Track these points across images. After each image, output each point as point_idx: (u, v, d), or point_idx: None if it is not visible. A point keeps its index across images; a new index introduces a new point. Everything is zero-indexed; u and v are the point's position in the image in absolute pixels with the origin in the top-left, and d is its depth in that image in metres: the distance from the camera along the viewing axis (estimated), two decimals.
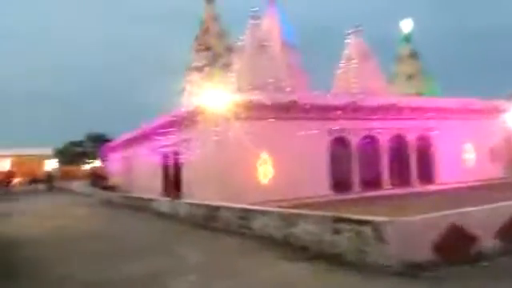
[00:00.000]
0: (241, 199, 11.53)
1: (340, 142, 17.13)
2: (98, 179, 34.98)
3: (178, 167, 18.42)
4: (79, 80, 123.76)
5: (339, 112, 16.87)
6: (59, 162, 58.58)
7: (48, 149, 59.59)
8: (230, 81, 18.00)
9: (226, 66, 20.29)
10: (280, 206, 9.74)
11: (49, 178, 39.45)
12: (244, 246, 8.30)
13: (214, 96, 15.04)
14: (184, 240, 9.51)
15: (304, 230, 7.53)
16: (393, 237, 5.83)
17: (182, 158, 17.82)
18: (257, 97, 15.34)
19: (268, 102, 15.33)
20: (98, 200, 24.05)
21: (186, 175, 17.44)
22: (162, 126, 19.34)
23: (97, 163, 52.58)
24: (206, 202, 11.92)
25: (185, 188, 17.20)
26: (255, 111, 15.12)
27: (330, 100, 17.07)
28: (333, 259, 6.43)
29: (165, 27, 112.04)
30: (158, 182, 20.53)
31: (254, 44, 17.90)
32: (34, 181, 56.53)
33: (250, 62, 17.53)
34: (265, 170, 15.65)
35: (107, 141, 42.07)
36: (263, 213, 9.00)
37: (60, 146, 57.56)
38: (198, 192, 14.94)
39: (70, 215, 16.37)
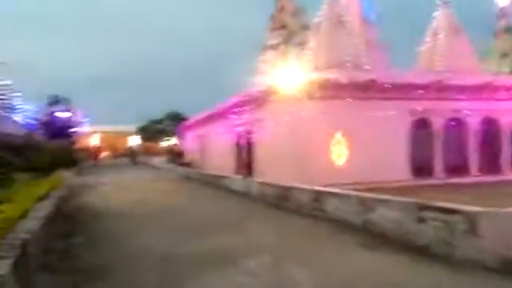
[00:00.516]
0: (313, 180, 11.23)
1: (422, 124, 15.96)
2: (175, 156, 36.75)
3: (250, 146, 18.56)
4: (163, 63, 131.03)
5: (422, 91, 15.65)
6: (141, 138, 62.52)
7: (132, 126, 63.78)
8: (305, 59, 17.49)
9: (302, 44, 19.73)
10: (356, 190, 9.30)
11: (132, 154, 42.12)
12: (318, 229, 8.04)
13: (288, 75, 14.72)
14: (256, 218, 9.50)
15: (383, 217, 7.06)
16: (488, 229, 5.20)
17: (255, 138, 17.90)
18: (333, 75, 14.74)
19: (345, 81, 14.67)
20: (176, 175, 25.23)
21: (258, 154, 17.51)
22: (236, 106, 19.54)
23: (174, 140, 55.31)
24: (278, 182, 11.80)
25: (256, 167, 17.31)
26: (331, 90, 14.56)
27: (412, 78, 15.88)
28: (417, 250, 5.94)
29: (242, 5, 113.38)
30: (230, 160, 20.93)
31: (332, 20, 17.10)
32: (119, 155, 61.18)
33: (328, 39, 16.82)
34: (339, 152, 15.15)
35: (184, 119, 43.80)
36: (338, 196, 8.62)
37: (143, 124, 61.21)
38: (270, 171, 14.91)
39: (150, 189, 17.31)
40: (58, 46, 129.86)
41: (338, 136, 15.10)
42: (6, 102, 31.18)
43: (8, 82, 29.79)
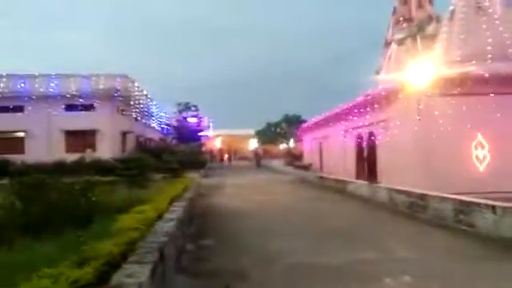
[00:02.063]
0: (446, 187, 9.94)
1: None
2: (292, 158, 36.95)
3: (373, 149, 17.50)
4: (281, 66, 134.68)
5: None
6: (259, 141, 64.70)
7: (250, 130, 66.48)
8: (436, 52, 15.82)
9: (431, 37, 17.98)
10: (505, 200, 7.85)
11: (257, 157, 43.49)
12: (467, 248, 6.91)
13: (417, 71, 13.41)
14: (386, 229, 8.68)
15: None
16: None
17: (378, 140, 16.81)
18: (471, 68, 12.97)
19: (487, 75, 12.78)
20: (294, 178, 25.22)
21: (382, 158, 16.39)
22: (357, 107, 18.64)
23: (291, 143, 55.89)
24: (410, 189, 10.72)
25: (380, 171, 16.21)
26: (468, 85, 12.82)
27: None
28: None
29: (356, 2, 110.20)
30: (350, 164, 20.07)
31: (470, 6, 15.14)
32: (240, 158, 64.18)
33: (464, 28, 14.93)
34: (479, 156, 13.28)
35: (302, 122, 43.88)
36: (496, 208, 7.30)
37: (260, 127, 63.36)
38: (396, 176, 13.75)
39: (272, 191, 17.48)
40: (182, 55, 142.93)
41: (478, 137, 13.26)
42: (145, 109, 35.10)
43: (145, 92, 33.45)
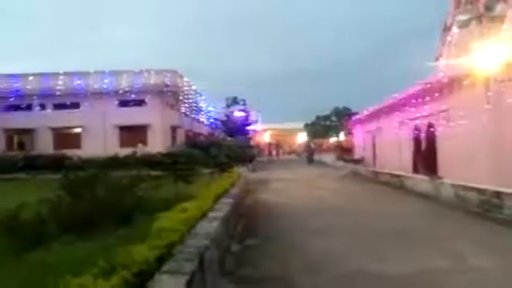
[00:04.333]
0: None
1: None
2: (343, 152, 35.71)
3: (432, 142, 16.18)
4: (329, 57, 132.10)
5: None
6: (308, 135, 63.58)
7: (299, 123, 65.51)
8: (506, 35, 14.23)
9: (499, 18, 16.25)
10: None
11: (309, 151, 41.86)
12: None
13: (485, 54, 12.06)
14: (455, 231, 7.73)
15: None
16: None
17: (439, 132, 15.50)
18: None
19: None
20: (346, 173, 24.24)
21: (443, 151, 15.09)
22: (413, 96, 17.33)
23: (342, 136, 54.34)
24: (481, 185, 9.60)
25: (441, 166, 14.93)
26: None
27: None
28: None
29: None
30: (406, 158, 18.79)
31: None
32: (288, 152, 63.48)
33: None
34: None
35: (352, 114, 42.37)
36: None
37: (310, 120, 62.22)
38: (460, 171, 12.50)
39: (322, 187, 16.75)
40: (231, 49, 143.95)
41: None
42: (193, 104, 35.45)
43: (194, 87, 33.71)
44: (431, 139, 16.26)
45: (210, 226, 5.05)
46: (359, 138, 32.21)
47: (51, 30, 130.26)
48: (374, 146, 26.16)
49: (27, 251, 4.90)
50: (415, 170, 17.46)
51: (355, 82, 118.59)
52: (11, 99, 28.09)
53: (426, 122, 16.84)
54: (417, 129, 18.04)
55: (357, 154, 31.03)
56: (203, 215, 5.92)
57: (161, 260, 3.55)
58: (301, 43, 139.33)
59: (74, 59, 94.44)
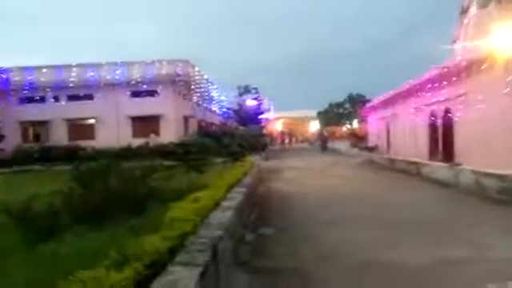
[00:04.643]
0: None
1: None
2: (357, 140, 35.32)
3: (449, 128, 15.78)
4: (342, 45, 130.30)
5: None
6: (321, 123, 63.06)
7: (312, 111, 64.98)
8: None
9: None
10: None
11: (322, 139, 41.49)
12: None
13: (503, 37, 11.61)
14: (476, 219, 7.51)
15: None
16: None
17: (456, 117, 15.09)
18: None
19: None
20: (361, 161, 23.96)
21: (460, 137, 14.71)
22: (430, 81, 16.88)
23: (355, 124, 53.75)
24: (503, 172, 9.31)
25: (458, 152, 14.56)
26: None
27: None
28: None
29: None
30: (421, 144, 18.42)
31: None
32: (301, 140, 63.17)
33: None
34: None
35: (367, 101, 41.79)
36: None
37: (323, 108, 61.60)
38: (478, 157, 12.16)
39: (337, 175, 16.56)
40: (241, 36, 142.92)
41: None
42: (206, 94, 35.35)
43: (206, 76, 33.55)
44: (448, 125, 15.87)
45: (223, 216, 4.95)
46: (373, 125, 31.75)
47: (67, 26, 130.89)
48: (388, 132, 25.75)
49: (40, 243, 4.88)
50: (431, 156, 17.11)
51: (369, 69, 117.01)
52: (26, 91, 28.39)
53: (442, 107, 16.42)
54: (433, 115, 17.62)
55: (371, 142, 30.63)
56: (216, 205, 5.82)
57: (173, 251, 3.46)
58: (315, 30, 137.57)
59: (89, 54, 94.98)
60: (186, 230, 4.08)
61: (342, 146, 37.33)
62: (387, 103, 25.28)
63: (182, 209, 5.08)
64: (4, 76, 28.39)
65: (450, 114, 15.73)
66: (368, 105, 34.92)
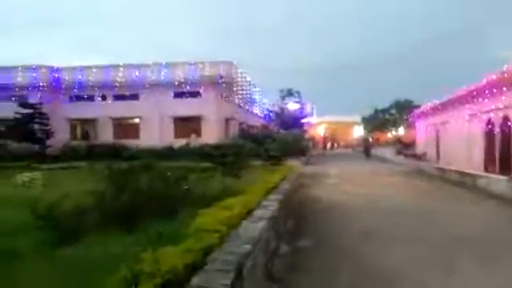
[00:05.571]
0: None
1: None
2: (404, 147, 33.76)
3: (508, 137, 14.47)
4: (389, 48, 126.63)
5: None
6: (365, 128, 61.17)
7: (356, 116, 63.29)
8: None
9: None
10: None
11: (366, 145, 39.68)
12: None
13: None
14: None
15: None
16: None
17: None
18: None
19: None
20: (407, 169, 22.71)
21: None
22: (487, 87, 15.61)
23: (401, 130, 51.62)
24: None
25: None
26: None
27: None
28: None
29: None
30: (476, 154, 17.06)
31: None
32: (344, 146, 61.67)
33: None
34: None
35: (414, 107, 39.92)
36: None
37: (368, 113, 59.80)
38: None
39: (382, 184, 15.63)
40: (284, 39, 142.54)
41: None
42: (247, 96, 35.19)
43: (248, 78, 33.38)
44: (508, 134, 14.55)
45: (254, 228, 4.49)
46: (421, 132, 30.19)
47: (113, 27, 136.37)
48: (438, 140, 24.31)
49: (63, 244, 4.67)
50: (487, 167, 15.79)
51: (418, 73, 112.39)
52: (75, 90, 29.49)
53: (501, 114, 15.10)
54: (490, 123, 16.28)
55: (418, 149, 29.14)
56: (249, 213, 5.39)
57: (193, 268, 3.05)
58: (360, 33, 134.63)
59: (135, 55, 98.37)
60: (212, 243, 3.68)
61: (387, 152, 35.81)
62: (438, 109, 23.87)
63: (211, 216, 4.70)
64: (56, 75, 29.64)
65: (509, 123, 14.43)
66: (417, 111, 33.32)
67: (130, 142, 27.42)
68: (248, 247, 3.63)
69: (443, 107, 22.49)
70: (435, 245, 6.47)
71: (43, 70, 29.29)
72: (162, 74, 28.95)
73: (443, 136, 23.16)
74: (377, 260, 5.62)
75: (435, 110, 24.63)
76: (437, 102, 23.95)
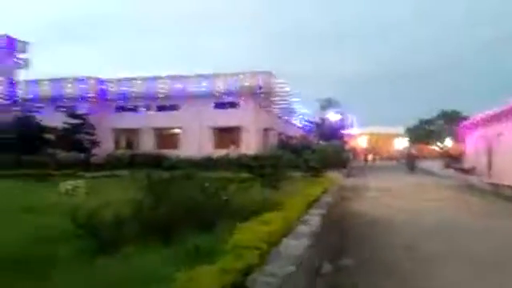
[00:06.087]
0: None
1: None
2: (451, 160, 32.14)
3: None
4: (434, 58, 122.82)
5: None
6: (409, 140, 58.94)
7: (400, 127, 61.26)
8: None
9: None
10: None
11: (410, 158, 37.69)
12: None
13: None
14: None
15: None
16: None
17: None
18: None
19: None
20: (456, 184, 21.50)
21: None
22: None
23: (448, 142, 49.30)
24: None
25: None
26: None
27: None
28: None
29: None
30: None
31: None
32: (386, 158, 59.78)
33: None
34: None
35: (462, 119, 38.00)
36: None
37: (412, 124, 57.63)
38: None
39: (429, 198, 14.77)
40: (326, 49, 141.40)
41: None
42: (286, 106, 34.93)
43: (288, 89, 33.14)
44: None
45: (296, 245, 4.20)
46: (471, 145, 28.57)
47: (158, 40, 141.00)
48: (489, 153, 22.84)
49: (102, 253, 4.60)
50: None
51: (468, 83, 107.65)
52: (120, 101, 30.50)
53: None
54: None
55: (467, 163, 27.55)
56: (289, 228, 5.10)
57: None
58: (404, 42, 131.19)
59: (174, 66, 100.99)
60: (251, 263, 3.42)
61: (433, 165, 34.21)
62: (490, 121, 22.47)
63: (250, 232, 4.45)
64: (102, 86, 30.82)
65: None
66: (466, 122, 31.67)
67: (170, 152, 27.87)
68: (292, 268, 3.35)
69: (496, 118, 21.15)
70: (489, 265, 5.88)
71: (91, 82, 30.57)
72: (203, 85, 29.35)
73: (496, 149, 21.73)
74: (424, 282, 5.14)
75: (487, 121, 23.23)
76: (490, 112, 22.59)
